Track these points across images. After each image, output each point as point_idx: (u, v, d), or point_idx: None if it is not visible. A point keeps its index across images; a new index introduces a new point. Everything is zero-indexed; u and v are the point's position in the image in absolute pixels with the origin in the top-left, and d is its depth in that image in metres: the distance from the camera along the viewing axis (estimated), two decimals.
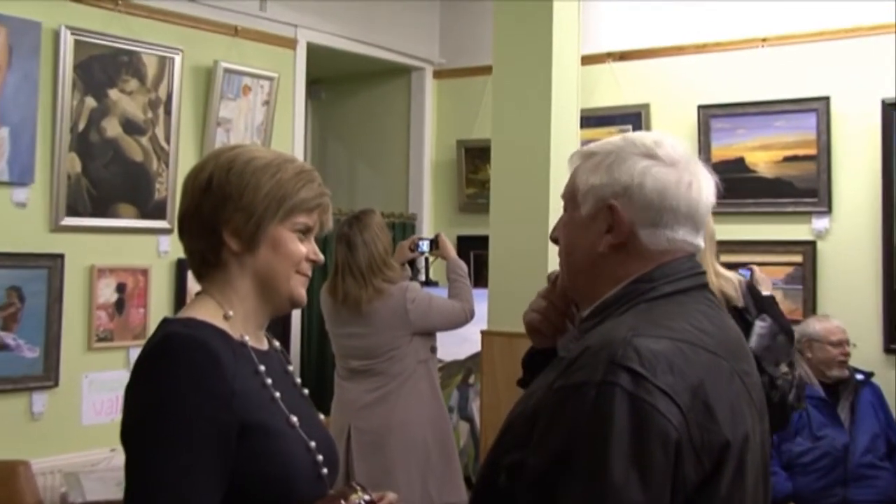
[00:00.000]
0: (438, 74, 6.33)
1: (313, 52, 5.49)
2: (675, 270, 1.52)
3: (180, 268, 4.66)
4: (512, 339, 3.76)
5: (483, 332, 4.12)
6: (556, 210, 2.15)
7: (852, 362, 4.48)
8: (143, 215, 4.58)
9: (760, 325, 3.21)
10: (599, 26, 5.42)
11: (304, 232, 1.69)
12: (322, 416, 1.84)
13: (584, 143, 1.66)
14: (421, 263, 5.29)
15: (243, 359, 1.61)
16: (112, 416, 4.40)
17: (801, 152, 4.91)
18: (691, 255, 1.55)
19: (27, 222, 4.19)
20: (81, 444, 4.34)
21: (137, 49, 4.49)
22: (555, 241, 1.64)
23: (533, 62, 4.00)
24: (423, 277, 5.21)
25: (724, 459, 1.37)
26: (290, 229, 1.66)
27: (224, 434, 1.51)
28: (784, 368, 4.03)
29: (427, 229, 6.14)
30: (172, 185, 4.61)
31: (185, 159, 4.63)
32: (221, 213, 1.63)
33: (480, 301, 4.20)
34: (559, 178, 3.57)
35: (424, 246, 4.51)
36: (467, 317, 4.13)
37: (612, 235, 1.52)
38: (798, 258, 4.93)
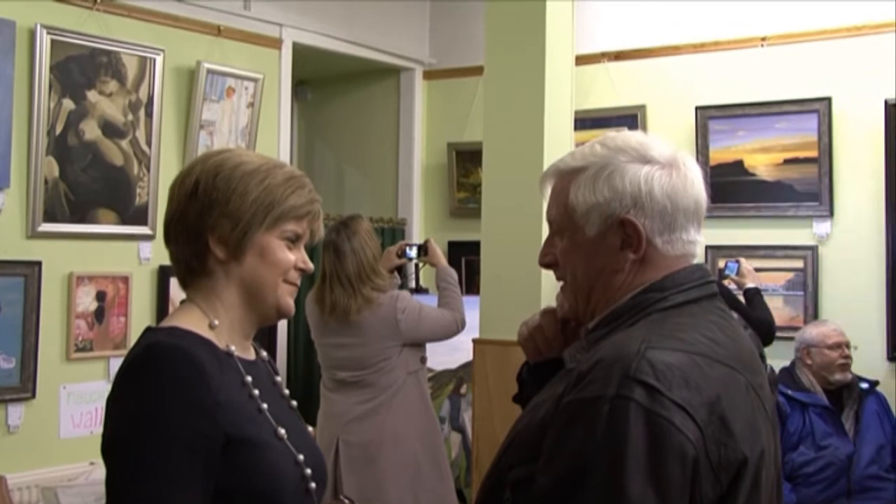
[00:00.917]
0: (428, 75, 6.30)
1: (299, 52, 5.46)
2: (686, 280, 1.49)
3: (162, 275, 4.61)
4: (505, 348, 3.74)
5: (475, 341, 4.08)
6: None
7: (856, 370, 4.45)
8: (124, 221, 4.52)
9: None
10: (594, 25, 5.41)
11: (293, 240, 1.67)
12: (310, 428, 1.82)
13: (579, 145, 1.57)
14: (410, 270, 5.24)
15: (229, 369, 1.59)
16: (91, 429, 4.36)
17: (801, 154, 4.88)
18: (700, 263, 1.54)
19: (3, 229, 4.13)
20: (59, 458, 4.28)
21: (117, 49, 4.43)
22: (548, 266, 1.59)
23: (526, 62, 3.95)
24: (412, 284, 5.16)
25: (740, 476, 1.34)
26: (279, 237, 1.65)
27: (208, 447, 1.49)
28: None
29: (417, 234, 6.13)
30: (154, 189, 4.56)
31: (166, 163, 4.59)
32: (207, 220, 1.62)
33: (472, 308, 4.16)
34: None
35: (412, 252, 4.46)
36: (458, 327, 4.10)
37: (633, 251, 1.49)
38: (799, 263, 4.89)
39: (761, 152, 4.96)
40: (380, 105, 6.38)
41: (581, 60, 4.58)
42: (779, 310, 4.66)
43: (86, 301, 4.37)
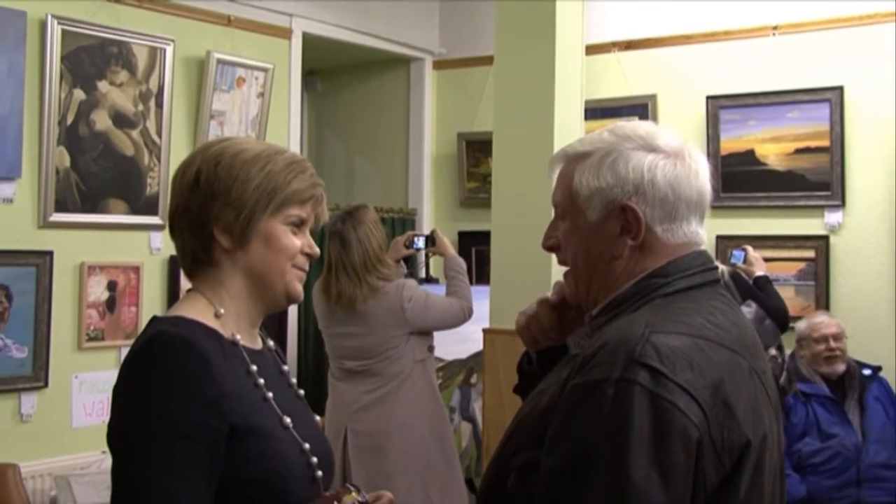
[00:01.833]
0: (438, 65, 6.27)
1: (309, 42, 5.43)
2: (689, 265, 1.50)
3: (173, 265, 4.60)
4: (515, 338, 3.59)
5: (485, 331, 4.06)
6: None
7: (863, 357, 4.45)
8: (135, 211, 4.52)
9: (746, 311, 3.22)
10: (604, 14, 5.38)
11: (298, 225, 1.66)
12: (318, 418, 1.81)
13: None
14: (420, 260, 5.23)
15: (234, 358, 1.58)
16: (103, 418, 4.28)
17: (813, 144, 4.84)
18: (702, 250, 1.54)
19: (14, 218, 4.13)
20: (72, 447, 4.30)
21: (127, 39, 4.43)
22: (551, 249, 1.59)
23: (536, 52, 3.93)
24: (422, 274, 5.16)
25: (743, 459, 1.35)
26: (283, 222, 1.63)
27: (212, 437, 1.49)
28: (773, 352, 4.07)
29: (427, 224, 6.10)
30: (164, 179, 4.56)
31: (177, 153, 4.58)
32: (211, 210, 1.61)
33: (482, 298, 4.15)
34: None
35: (420, 242, 4.45)
36: (466, 315, 4.09)
37: (631, 237, 1.49)
38: (810, 253, 4.87)
39: (773, 142, 4.93)
40: (390, 95, 6.36)
41: (591, 50, 4.56)
42: (790, 300, 4.63)
43: (97, 291, 4.38)
